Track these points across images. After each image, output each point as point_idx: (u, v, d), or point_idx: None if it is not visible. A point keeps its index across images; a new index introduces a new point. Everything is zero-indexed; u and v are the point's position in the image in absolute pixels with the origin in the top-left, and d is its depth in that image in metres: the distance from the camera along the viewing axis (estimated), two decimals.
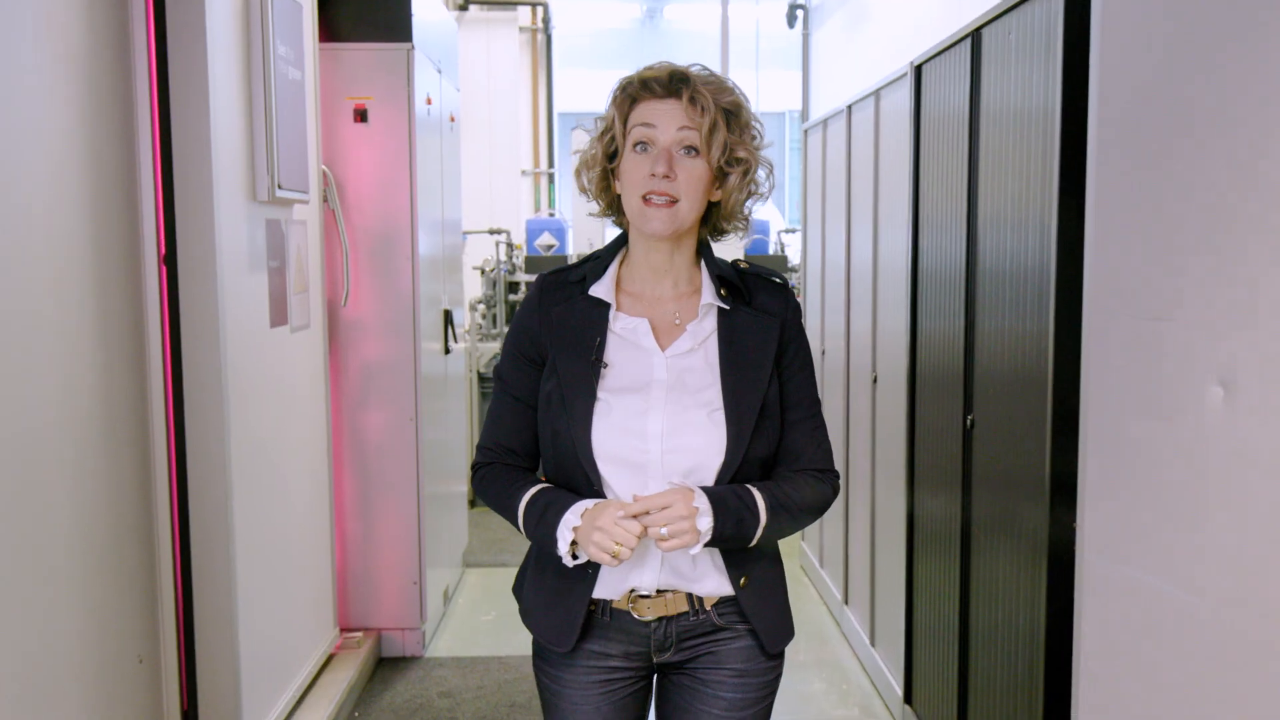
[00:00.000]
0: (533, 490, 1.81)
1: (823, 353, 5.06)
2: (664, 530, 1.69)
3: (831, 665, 4.35)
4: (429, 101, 4.56)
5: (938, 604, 3.36)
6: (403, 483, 4.34)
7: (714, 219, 1.87)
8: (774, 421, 1.82)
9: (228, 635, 3.03)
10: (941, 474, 3.30)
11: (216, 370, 2.94)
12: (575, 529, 1.72)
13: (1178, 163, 1.70)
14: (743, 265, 1.90)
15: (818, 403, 1.91)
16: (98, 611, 2.57)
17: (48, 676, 2.32)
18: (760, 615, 1.85)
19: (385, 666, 4.30)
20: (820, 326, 5.11)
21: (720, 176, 1.80)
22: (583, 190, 1.94)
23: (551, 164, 8.65)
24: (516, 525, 1.84)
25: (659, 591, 1.82)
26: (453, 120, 5.19)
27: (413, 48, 4.21)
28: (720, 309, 1.84)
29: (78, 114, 2.50)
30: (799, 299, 7.06)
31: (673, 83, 1.78)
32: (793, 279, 7.26)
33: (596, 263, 1.89)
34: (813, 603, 5.06)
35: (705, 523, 1.70)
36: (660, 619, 1.83)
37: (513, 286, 7.28)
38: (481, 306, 7.17)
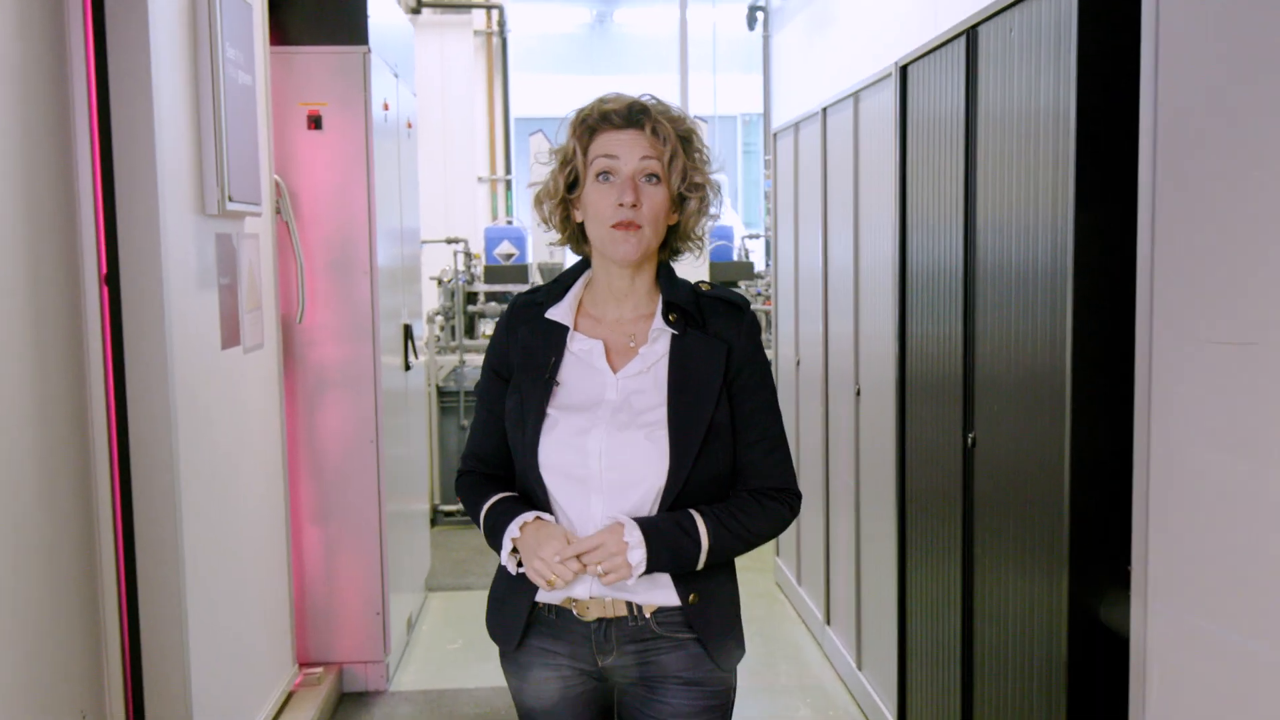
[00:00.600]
0: (492, 500, 1.93)
1: (798, 363, 4.90)
2: (599, 569, 1.79)
3: (815, 690, 4.19)
4: (386, 107, 4.35)
5: (936, 625, 3.21)
6: (364, 507, 4.12)
7: (671, 242, 1.95)
8: (724, 443, 1.87)
9: (179, 681, 2.81)
10: (938, 488, 3.15)
11: (164, 397, 2.72)
12: (515, 539, 1.84)
13: (1265, 171, 1.55)
14: (704, 288, 1.96)
15: (777, 422, 1.95)
16: (35, 664, 2.34)
17: None
18: (709, 629, 1.90)
19: (348, 703, 4.07)
20: (795, 334, 4.95)
21: (679, 201, 1.89)
22: (543, 221, 1.99)
23: (509, 170, 8.44)
24: (481, 531, 1.96)
25: (595, 597, 1.89)
26: (410, 126, 4.97)
27: (369, 51, 4.00)
28: (673, 334, 1.90)
29: (8, 120, 2.28)
30: (767, 306, 6.92)
31: (632, 114, 1.86)
32: (759, 285, 7.12)
33: (558, 286, 1.99)
34: (791, 622, 4.89)
35: (637, 555, 1.78)
36: (600, 620, 1.89)
37: (471, 297, 7.07)
38: (440, 318, 6.95)
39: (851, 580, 4.09)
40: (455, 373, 6.75)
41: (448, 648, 4.69)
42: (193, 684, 2.83)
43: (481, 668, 4.40)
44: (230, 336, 3.21)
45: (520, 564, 1.85)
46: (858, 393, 3.94)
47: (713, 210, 1.95)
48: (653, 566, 1.80)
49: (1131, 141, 2.05)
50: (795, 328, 4.95)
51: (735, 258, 7.73)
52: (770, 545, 5.62)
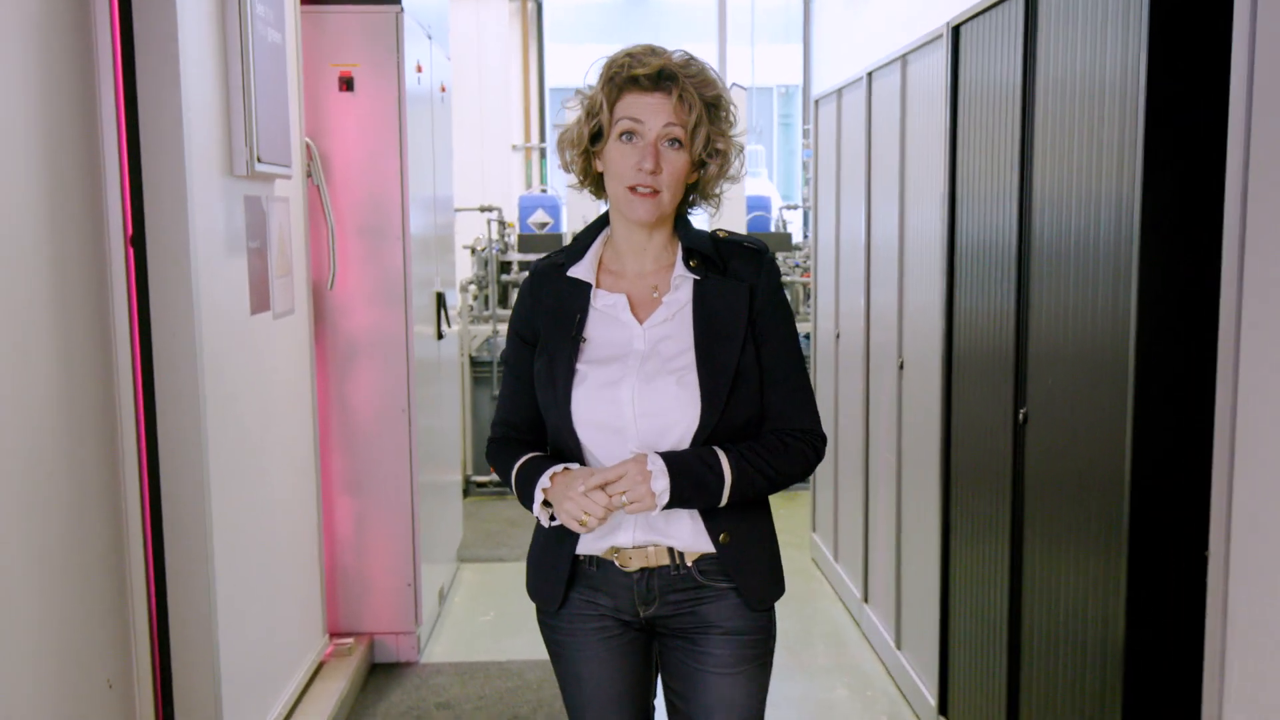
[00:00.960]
0: (522, 459, 1.94)
1: (837, 336, 4.79)
2: (624, 498, 1.79)
3: (853, 670, 4.10)
4: (419, 69, 4.26)
5: (980, 606, 3.11)
6: (396, 478, 4.06)
7: (689, 197, 1.96)
8: (751, 385, 1.89)
9: (206, 651, 2.76)
10: (986, 464, 3.04)
11: (192, 363, 2.66)
12: (546, 490, 1.86)
13: None
14: (721, 235, 1.97)
15: (799, 364, 1.95)
16: (60, 631, 2.29)
17: (2, 706, 2.04)
18: (743, 571, 1.92)
19: (379, 674, 4.03)
20: (835, 307, 4.84)
21: (700, 166, 1.90)
22: (564, 166, 2.01)
23: (543, 138, 8.33)
24: (513, 493, 1.97)
25: (643, 545, 1.91)
26: (443, 90, 4.88)
27: (401, 10, 3.90)
28: (695, 279, 1.91)
29: (30, 77, 2.20)
30: (805, 278, 6.80)
31: (661, 79, 1.83)
32: (797, 257, 6.99)
33: (576, 246, 1.99)
34: (828, 600, 4.80)
35: (660, 484, 1.79)
36: (642, 570, 1.92)
37: (505, 266, 6.99)
38: (473, 287, 6.87)
39: (891, 558, 3.99)
40: (488, 343, 6.68)
41: (480, 619, 4.64)
42: (220, 652, 2.78)
43: (513, 640, 4.35)
44: (260, 302, 3.14)
45: (553, 516, 1.88)
46: (900, 366, 3.83)
47: (731, 173, 1.95)
48: (676, 497, 1.81)
49: (1202, 109, 1.93)
50: (835, 300, 4.83)
51: (773, 229, 7.60)
52: (806, 521, 5.53)
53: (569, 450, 1.91)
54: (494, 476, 6.65)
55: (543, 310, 1.97)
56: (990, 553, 3.01)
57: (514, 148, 8.14)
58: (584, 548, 1.94)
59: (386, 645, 4.10)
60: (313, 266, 3.83)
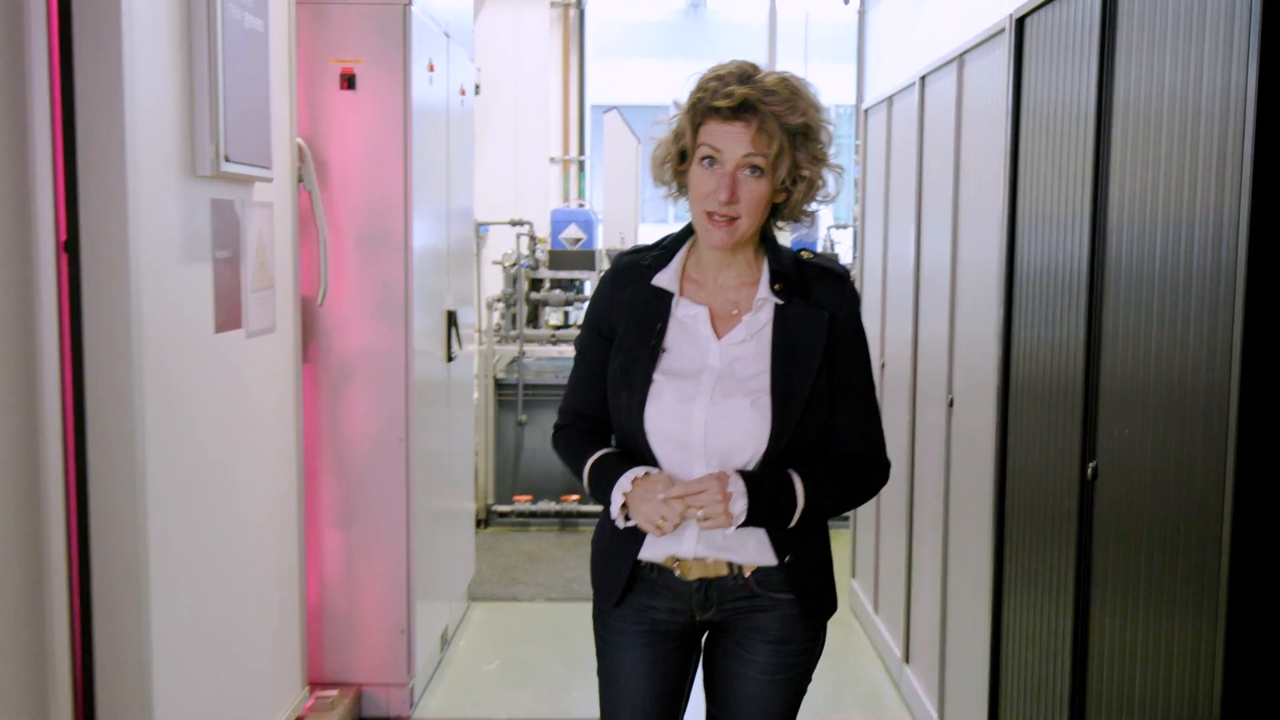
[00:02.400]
0: (596, 455, 1.98)
1: (882, 366, 4.38)
2: (700, 513, 1.84)
3: None
4: (431, 68, 3.93)
5: (1038, 672, 2.69)
6: (390, 512, 3.71)
7: (776, 214, 1.95)
8: (822, 410, 1.91)
9: (140, 711, 2.41)
10: (1048, 516, 2.63)
11: (128, 385, 2.32)
12: (626, 494, 1.90)
13: None
14: (805, 256, 1.97)
15: (870, 389, 1.98)
16: None
17: None
18: (805, 587, 1.96)
19: None
20: (880, 335, 4.43)
21: (784, 191, 1.88)
22: (656, 180, 2.01)
23: (583, 151, 7.99)
24: (584, 486, 2.02)
25: (703, 556, 1.95)
26: (463, 94, 4.56)
27: (409, 2, 3.58)
28: (778, 303, 1.92)
29: None
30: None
31: (742, 110, 1.81)
32: None
33: (664, 251, 2.01)
34: (865, 657, 4.38)
35: (739, 506, 1.83)
36: (701, 580, 1.97)
37: (536, 284, 6.64)
38: (500, 305, 6.54)
39: (936, 614, 3.57)
40: (514, 363, 6.33)
41: (484, 668, 4.27)
42: (157, 712, 2.43)
43: (520, 694, 3.98)
44: (228, 318, 2.81)
45: (628, 518, 1.92)
46: (950, 403, 3.42)
47: (823, 195, 1.92)
48: (751, 519, 1.84)
49: None
50: (881, 327, 4.43)
51: (820, 249, 7.19)
52: (845, 564, 5.12)
53: (637, 450, 1.95)
54: (517, 506, 6.29)
55: (622, 308, 1.99)
56: (1051, 614, 2.60)
57: (551, 160, 7.81)
58: (645, 553, 1.98)
59: (375, 698, 3.74)
60: (304, 280, 3.50)
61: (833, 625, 2.08)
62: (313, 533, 3.65)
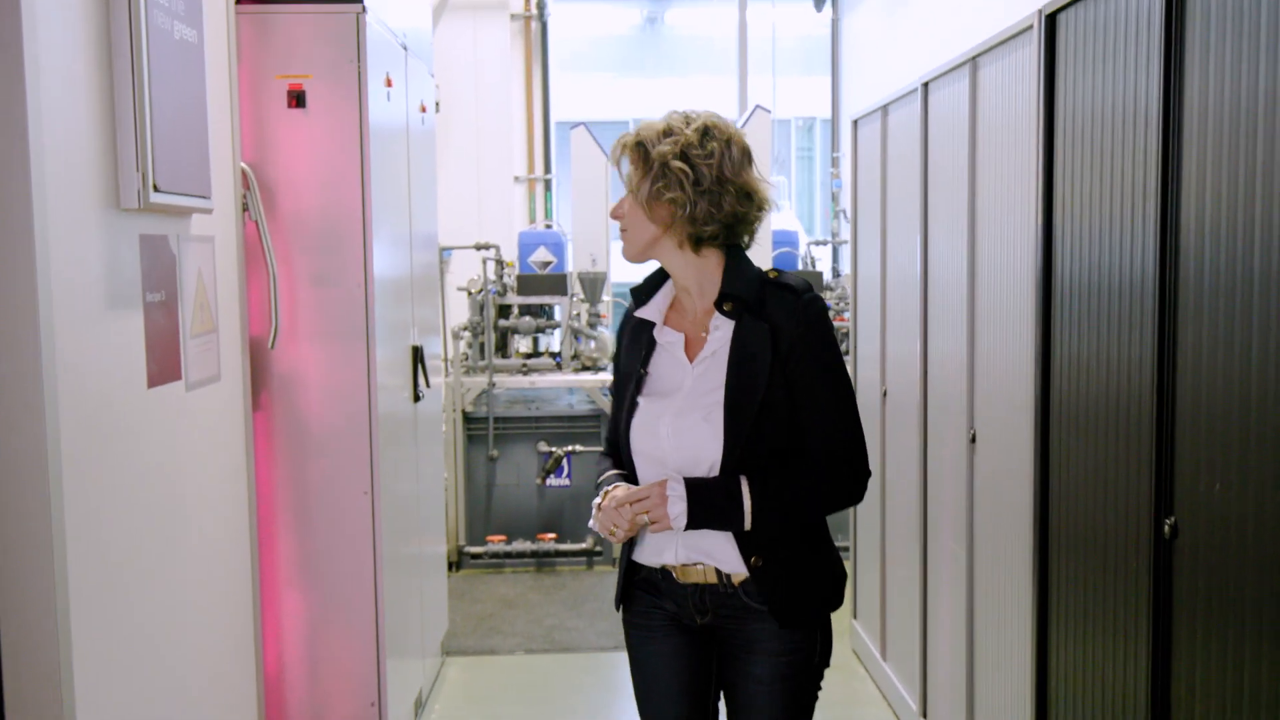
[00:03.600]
0: (602, 475, 2.22)
1: (884, 393, 4.08)
2: (645, 518, 2.03)
3: None
4: (389, 84, 3.60)
5: None
6: (357, 569, 3.35)
7: (693, 233, 2.08)
8: (779, 419, 2.02)
9: None
10: (1110, 570, 2.32)
11: (40, 456, 1.95)
12: (597, 505, 2.12)
13: None
14: (771, 275, 2.10)
15: (839, 396, 2.05)
16: None
17: None
18: (775, 594, 2.05)
19: None
20: (880, 356, 4.13)
21: (653, 207, 2.07)
22: None
23: (549, 169, 7.66)
24: None
25: (692, 563, 2.11)
26: (424, 110, 4.22)
27: (364, 10, 3.24)
28: (733, 322, 2.07)
29: None
30: (841, 321, 6.09)
31: (616, 153, 2.15)
32: (830, 298, 6.29)
33: (649, 284, 2.21)
34: (874, 706, 4.07)
35: (676, 509, 2.00)
36: (695, 585, 2.11)
37: (504, 311, 6.29)
38: (467, 334, 6.18)
39: (961, 670, 3.26)
40: (484, 396, 5.99)
41: None
42: None
43: None
44: (164, 369, 2.45)
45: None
46: (973, 439, 3.11)
47: (686, 206, 2.04)
48: (695, 520, 2.01)
49: None
50: (881, 348, 4.13)
51: (800, 265, 6.90)
52: (847, 607, 4.81)
53: (630, 467, 2.15)
54: (491, 546, 5.93)
55: (624, 340, 2.23)
56: (1119, 674, 2.30)
57: (516, 179, 7.47)
58: (642, 558, 2.17)
59: None
60: (252, 320, 3.14)
61: (837, 670, 1.98)
62: (270, 597, 3.29)
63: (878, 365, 4.16)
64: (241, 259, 3.00)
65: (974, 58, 3.04)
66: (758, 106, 6.02)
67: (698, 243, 2.07)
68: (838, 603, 2.16)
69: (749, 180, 2.07)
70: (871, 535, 4.30)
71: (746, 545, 2.04)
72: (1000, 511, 2.92)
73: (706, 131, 2.05)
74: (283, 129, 3.25)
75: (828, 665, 2.17)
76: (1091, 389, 2.37)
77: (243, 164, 3.05)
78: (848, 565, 4.79)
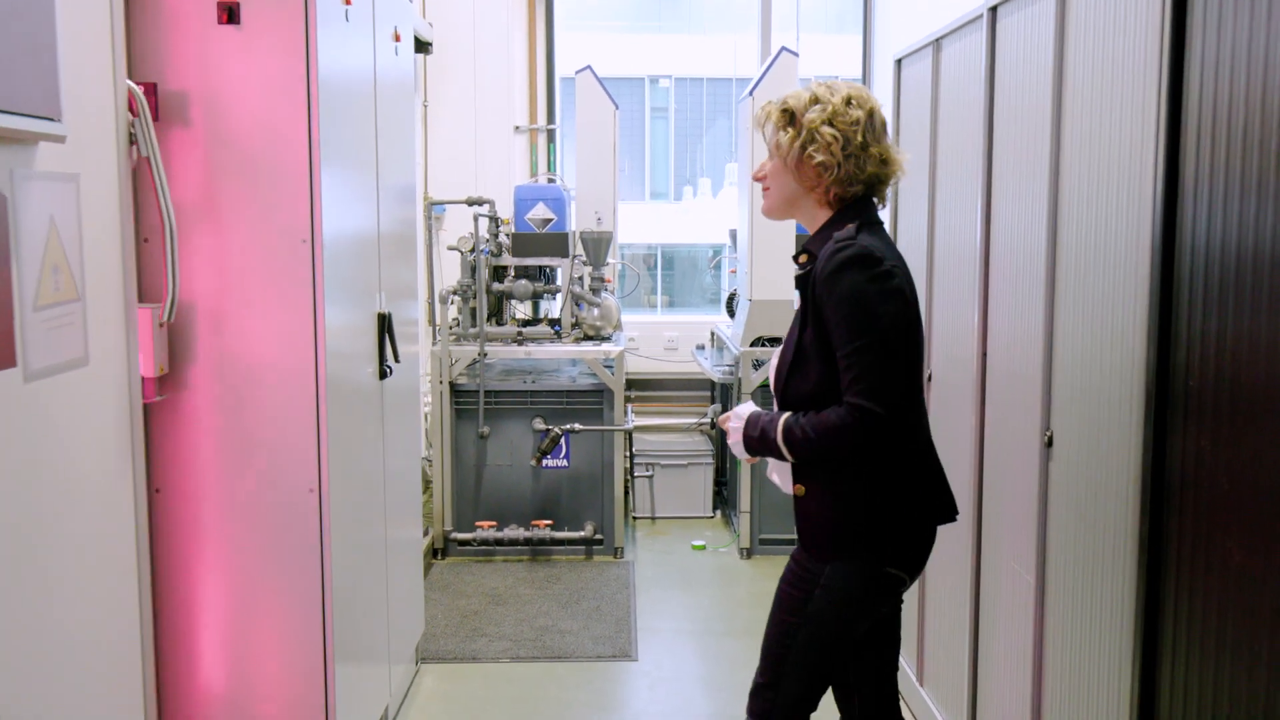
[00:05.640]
0: None
1: (928, 377, 3.49)
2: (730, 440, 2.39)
3: None
4: (348, 2, 3.00)
5: None
6: (297, 574, 2.80)
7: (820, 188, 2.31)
8: (813, 364, 2.21)
9: None
10: (1265, 625, 1.74)
11: None
12: None
13: None
14: (839, 232, 2.23)
15: (850, 343, 2.13)
16: None
17: None
18: (805, 521, 2.29)
19: None
20: (929, 338, 3.54)
21: (800, 169, 2.29)
22: None
23: (551, 119, 7.03)
24: None
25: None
26: (397, 39, 3.62)
27: None
28: (806, 271, 2.28)
29: None
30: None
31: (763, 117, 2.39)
32: None
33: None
34: None
35: (734, 426, 2.34)
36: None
37: (499, 273, 5.70)
38: (456, 299, 5.60)
39: (1025, 707, 2.70)
40: (474, 366, 5.41)
41: None
42: None
43: None
44: None
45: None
46: (1049, 441, 2.53)
47: (835, 169, 2.25)
48: (749, 446, 2.31)
49: None
50: (928, 326, 3.53)
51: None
52: None
53: None
54: (480, 533, 5.38)
55: None
56: None
57: (516, 129, 6.85)
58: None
59: None
60: (143, 284, 2.57)
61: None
62: (194, 616, 2.74)
63: (929, 349, 3.57)
64: (128, 206, 2.41)
65: None
66: (784, 49, 5.40)
67: (840, 201, 2.27)
68: (861, 546, 2.24)
69: (886, 147, 2.27)
70: None
71: (796, 473, 2.28)
72: (1087, 531, 2.35)
73: (850, 100, 2.25)
74: (212, 49, 2.66)
75: (854, 609, 2.27)
76: (1242, 379, 1.78)
77: (130, 83, 2.45)
78: None
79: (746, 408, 2.32)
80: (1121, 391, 2.17)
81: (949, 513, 2.35)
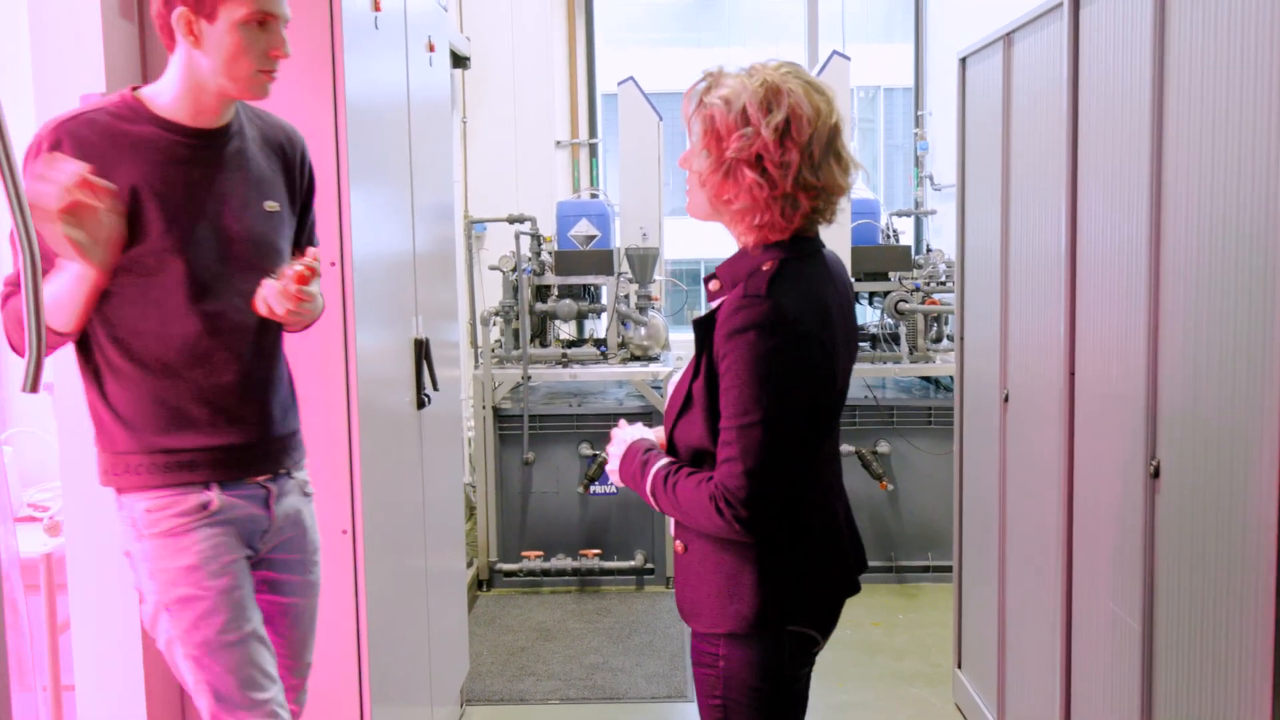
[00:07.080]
0: None
1: (1005, 397, 3.24)
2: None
3: None
4: (377, 8, 2.82)
5: None
6: (334, 637, 2.60)
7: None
8: (699, 415, 1.89)
9: None
10: None
11: None
12: None
13: None
14: (751, 279, 1.87)
15: (739, 419, 1.80)
16: None
17: None
18: (682, 584, 1.98)
19: None
20: (1001, 354, 3.28)
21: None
22: None
23: (594, 133, 6.84)
24: None
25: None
26: (432, 49, 3.44)
27: None
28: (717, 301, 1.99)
29: None
30: (931, 305, 5.24)
31: None
32: (917, 279, 5.42)
33: None
34: None
35: (613, 451, 2.04)
36: None
37: (541, 293, 5.50)
38: (499, 320, 5.41)
39: None
40: (518, 390, 5.21)
41: None
42: None
43: None
44: None
45: None
46: (1155, 471, 2.27)
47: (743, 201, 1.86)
48: (622, 473, 2.01)
49: None
50: (1001, 340, 3.28)
51: (880, 240, 6.04)
52: (943, 648, 4.00)
53: None
54: (526, 563, 5.17)
55: None
56: None
57: (558, 144, 6.67)
58: None
59: None
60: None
61: None
62: None
63: (996, 360, 3.32)
64: None
65: None
66: (835, 53, 5.17)
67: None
68: (750, 623, 1.89)
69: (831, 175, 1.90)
70: (984, 574, 3.47)
71: (678, 530, 1.99)
72: (1206, 576, 2.09)
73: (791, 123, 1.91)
74: None
75: (770, 677, 1.91)
76: None
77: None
78: (949, 596, 3.96)
79: (633, 431, 2.03)
80: (1249, 419, 1.92)
81: (849, 586, 2.02)
